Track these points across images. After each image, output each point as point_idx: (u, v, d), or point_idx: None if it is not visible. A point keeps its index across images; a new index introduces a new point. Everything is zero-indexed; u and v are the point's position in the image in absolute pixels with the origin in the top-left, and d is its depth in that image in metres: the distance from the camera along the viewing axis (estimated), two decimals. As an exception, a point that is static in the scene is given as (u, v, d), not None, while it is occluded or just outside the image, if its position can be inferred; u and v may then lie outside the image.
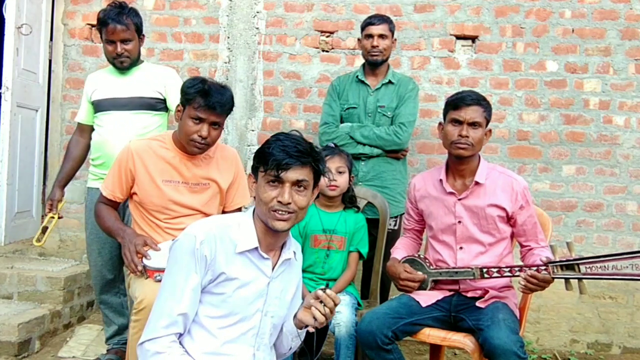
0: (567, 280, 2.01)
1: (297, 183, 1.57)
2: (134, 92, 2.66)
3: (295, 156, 1.55)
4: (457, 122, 2.21)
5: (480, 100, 2.23)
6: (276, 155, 1.54)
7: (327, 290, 1.56)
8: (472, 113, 2.19)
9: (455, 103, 2.23)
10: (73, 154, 2.82)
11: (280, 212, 1.56)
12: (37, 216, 3.91)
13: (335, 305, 1.57)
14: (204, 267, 1.55)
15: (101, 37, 2.67)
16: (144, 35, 2.77)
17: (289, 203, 1.55)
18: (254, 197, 1.64)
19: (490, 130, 2.29)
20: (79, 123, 2.85)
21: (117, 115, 2.67)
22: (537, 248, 2.21)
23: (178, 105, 2.17)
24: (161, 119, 2.74)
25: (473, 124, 2.19)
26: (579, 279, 1.98)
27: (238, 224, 1.63)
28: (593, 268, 1.95)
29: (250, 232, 1.61)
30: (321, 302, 1.56)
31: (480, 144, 2.23)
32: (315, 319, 1.56)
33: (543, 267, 2.01)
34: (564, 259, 2.00)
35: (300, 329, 1.68)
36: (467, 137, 2.18)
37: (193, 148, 2.14)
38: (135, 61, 2.71)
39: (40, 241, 2.72)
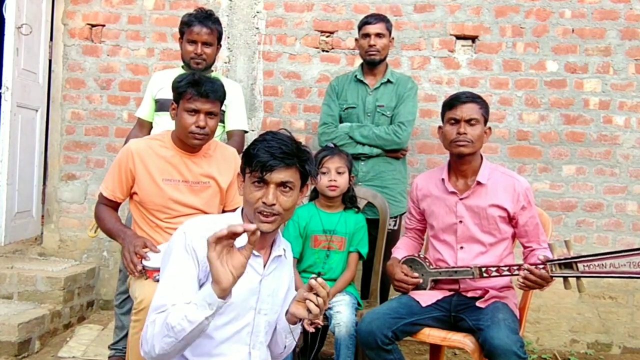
0: (565, 278, 2.01)
1: (281, 184, 1.56)
2: None
3: (279, 158, 1.54)
4: (455, 120, 2.23)
5: (475, 98, 2.25)
6: (260, 157, 1.54)
7: (319, 279, 1.53)
8: (468, 110, 2.21)
9: (450, 103, 2.27)
10: None
11: (265, 214, 1.55)
12: (37, 216, 3.91)
13: (328, 294, 1.54)
14: (197, 264, 1.54)
15: (182, 38, 2.76)
16: (221, 45, 2.84)
17: (274, 204, 1.55)
18: (242, 197, 1.64)
19: (489, 128, 2.29)
20: (139, 118, 2.88)
21: None
22: (539, 249, 2.21)
23: (172, 103, 2.19)
24: (220, 129, 2.76)
25: (470, 121, 2.20)
26: (577, 277, 1.99)
27: (227, 223, 1.62)
28: (591, 266, 1.95)
29: None
30: (314, 292, 1.53)
31: (480, 141, 2.23)
32: (309, 311, 1.53)
33: (541, 266, 2.01)
34: (562, 257, 2.00)
35: (294, 324, 1.66)
36: (465, 134, 2.19)
37: (193, 140, 2.15)
38: (209, 67, 2.77)
39: (94, 233, 2.74)
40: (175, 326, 1.39)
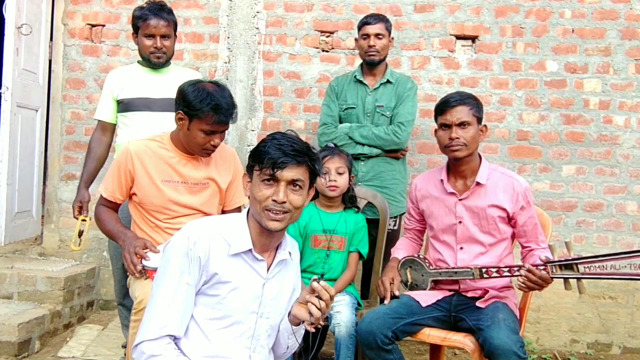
0: (565, 280, 2.01)
1: (292, 182, 1.55)
2: (169, 92, 2.58)
3: (291, 155, 1.53)
4: (446, 126, 2.23)
5: (464, 100, 2.23)
6: (272, 154, 1.53)
7: (322, 282, 1.51)
8: (457, 114, 2.20)
9: (441, 108, 2.27)
10: (97, 154, 2.76)
11: (274, 212, 1.54)
12: (37, 216, 3.91)
13: (331, 297, 1.52)
14: (198, 269, 1.54)
15: (136, 33, 2.67)
16: (176, 36, 2.78)
17: (284, 202, 1.54)
18: (249, 197, 1.63)
19: (485, 126, 2.28)
20: (100, 121, 2.78)
21: (149, 116, 2.63)
22: (537, 249, 2.21)
23: (179, 112, 2.10)
24: None
25: (461, 124, 2.20)
26: (578, 279, 1.99)
27: (232, 225, 1.62)
28: (591, 268, 1.95)
29: (244, 234, 1.60)
30: (317, 295, 1.51)
31: (474, 142, 2.22)
32: (311, 314, 1.52)
33: (542, 267, 2.01)
34: (563, 259, 2.00)
35: (296, 325, 1.65)
36: (457, 138, 2.19)
37: (205, 155, 2.18)
38: (169, 60, 2.72)
39: (78, 245, 2.71)
40: None
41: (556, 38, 3.46)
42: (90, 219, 2.69)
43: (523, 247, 2.28)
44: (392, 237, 2.82)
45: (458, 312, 2.23)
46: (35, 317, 2.97)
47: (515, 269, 2.10)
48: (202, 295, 1.57)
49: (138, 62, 2.76)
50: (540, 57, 3.47)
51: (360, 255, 2.63)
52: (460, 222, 2.27)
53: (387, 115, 2.93)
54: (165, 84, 2.66)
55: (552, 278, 2.01)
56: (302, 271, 2.56)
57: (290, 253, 1.70)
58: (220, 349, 1.57)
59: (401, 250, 2.45)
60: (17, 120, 3.58)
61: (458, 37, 3.52)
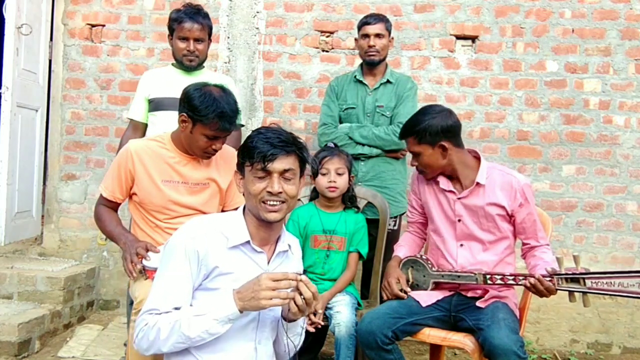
0: (571, 292, 2.00)
1: (284, 172, 1.59)
2: None
3: (279, 146, 1.58)
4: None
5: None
6: (260, 148, 1.57)
7: (302, 277, 1.52)
8: None
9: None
10: None
11: (271, 203, 1.58)
12: (37, 216, 3.91)
13: (314, 295, 1.52)
14: (197, 264, 1.56)
15: (171, 35, 2.71)
16: (211, 40, 2.81)
17: (280, 192, 1.57)
18: (243, 194, 1.67)
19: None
20: (132, 120, 2.83)
21: (177, 116, 2.66)
22: (537, 246, 2.21)
23: (182, 114, 2.12)
24: None
25: None
26: (584, 293, 1.98)
27: (229, 220, 1.66)
28: (599, 283, 1.94)
29: (241, 227, 1.63)
30: (300, 293, 1.52)
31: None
32: (289, 309, 1.54)
33: (548, 278, 2.01)
34: (570, 272, 1.98)
35: (289, 321, 1.66)
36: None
37: (205, 157, 2.19)
38: (201, 63, 2.75)
39: (105, 240, 2.72)
40: (194, 337, 1.50)
41: (556, 38, 3.46)
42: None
43: (523, 244, 2.28)
44: (392, 237, 2.82)
45: (458, 312, 2.23)
46: (35, 317, 2.97)
47: (521, 278, 2.07)
48: (203, 290, 1.59)
49: (172, 64, 2.81)
50: (540, 57, 3.47)
51: (360, 256, 2.62)
52: (459, 220, 2.26)
53: (387, 115, 2.93)
54: None
55: (557, 290, 2.00)
56: (303, 272, 2.57)
57: (290, 245, 1.73)
58: (225, 343, 1.58)
59: (404, 247, 2.45)
60: (17, 120, 3.58)
61: (458, 37, 3.53)
